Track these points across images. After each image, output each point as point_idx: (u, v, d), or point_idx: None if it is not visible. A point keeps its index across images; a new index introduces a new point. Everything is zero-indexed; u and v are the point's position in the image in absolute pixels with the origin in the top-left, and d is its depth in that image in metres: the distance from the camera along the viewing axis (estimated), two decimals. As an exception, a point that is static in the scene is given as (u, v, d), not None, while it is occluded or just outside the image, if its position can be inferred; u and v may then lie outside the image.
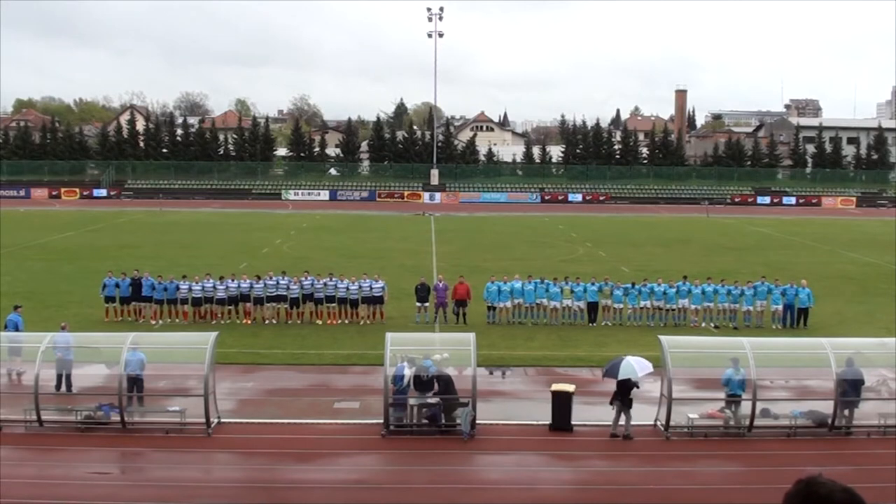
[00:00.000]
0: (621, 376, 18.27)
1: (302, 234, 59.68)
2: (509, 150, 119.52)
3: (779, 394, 21.29)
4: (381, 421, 18.62)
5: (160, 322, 29.20)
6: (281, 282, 29.79)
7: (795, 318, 29.86)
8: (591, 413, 19.93)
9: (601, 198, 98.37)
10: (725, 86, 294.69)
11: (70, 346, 20.55)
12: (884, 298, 35.34)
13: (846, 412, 19.21)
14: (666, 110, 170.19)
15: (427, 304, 29.90)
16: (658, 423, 19.00)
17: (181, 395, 19.96)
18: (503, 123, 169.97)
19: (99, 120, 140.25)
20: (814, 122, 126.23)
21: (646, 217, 79.59)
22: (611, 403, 18.48)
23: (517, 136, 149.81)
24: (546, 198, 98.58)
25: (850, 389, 18.98)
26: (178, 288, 29.64)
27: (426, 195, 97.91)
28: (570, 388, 19.05)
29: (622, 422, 18.41)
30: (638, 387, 18.72)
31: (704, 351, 20.99)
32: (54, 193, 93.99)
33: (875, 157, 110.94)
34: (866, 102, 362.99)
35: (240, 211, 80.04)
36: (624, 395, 18.36)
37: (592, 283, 30.17)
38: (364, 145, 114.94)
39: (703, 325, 29.67)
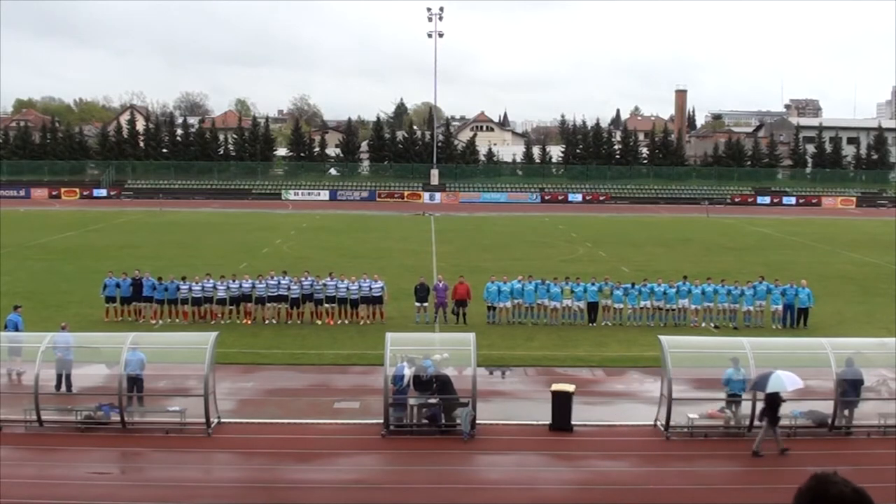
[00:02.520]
0: (769, 390, 17.52)
1: (302, 234, 59.68)
2: (509, 150, 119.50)
3: (779, 394, 21.25)
4: (381, 421, 18.62)
5: (160, 322, 29.19)
6: (282, 282, 29.77)
7: (795, 318, 29.85)
8: (591, 413, 19.95)
9: (601, 198, 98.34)
10: (725, 86, 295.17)
11: (70, 346, 20.54)
12: (884, 298, 35.34)
13: (846, 412, 19.21)
14: (666, 110, 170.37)
15: (427, 304, 29.89)
16: (658, 423, 19.00)
17: (181, 395, 19.96)
18: (503, 123, 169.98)
19: (99, 120, 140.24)
20: (814, 122, 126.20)
21: (646, 217, 79.58)
22: (759, 419, 18.03)
23: (517, 136, 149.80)
24: (546, 198, 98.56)
25: (849, 389, 18.98)
26: (178, 288, 29.62)
27: (426, 195, 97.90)
28: (570, 388, 19.03)
29: (764, 434, 17.77)
30: (784, 401, 17.96)
31: (704, 351, 20.98)
32: (54, 193, 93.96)
33: (875, 157, 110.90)
34: (866, 102, 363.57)
35: (240, 211, 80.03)
36: (773, 410, 17.64)
37: (592, 284, 30.17)
38: (364, 145, 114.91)
39: (703, 325, 29.66)
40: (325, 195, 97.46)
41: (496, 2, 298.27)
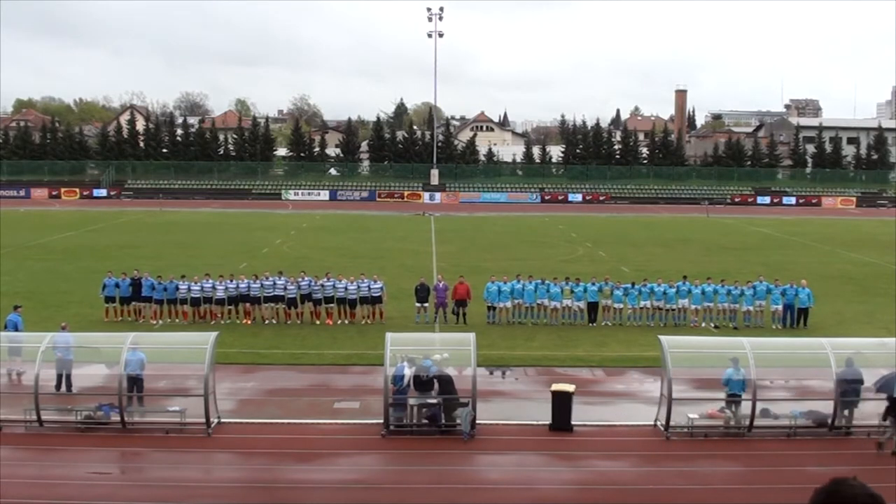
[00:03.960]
0: None
1: (302, 234, 59.68)
2: (509, 150, 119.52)
3: (779, 394, 21.27)
4: (381, 421, 18.61)
5: (160, 322, 29.19)
6: (277, 282, 29.73)
7: (795, 318, 29.84)
8: (591, 413, 19.94)
9: (601, 198, 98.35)
10: (725, 86, 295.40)
11: (70, 346, 20.53)
12: (884, 298, 35.33)
13: (846, 412, 19.21)
14: (666, 110, 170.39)
15: (427, 304, 29.88)
16: (658, 423, 19.00)
17: (181, 395, 19.95)
18: (503, 123, 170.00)
19: (99, 120, 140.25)
20: (814, 122, 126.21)
21: (646, 217, 79.58)
22: (884, 419, 17.99)
23: (517, 136, 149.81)
24: (546, 198, 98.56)
25: (849, 389, 18.97)
26: (177, 288, 29.61)
27: (426, 195, 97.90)
28: (570, 388, 19.03)
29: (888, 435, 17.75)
30: None
31: (704, 351, 20.97)
32: (54, 193, 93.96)
33: (875, 157, 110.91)
34: (866, 102, 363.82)
35: (240, 211, 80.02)
36: None
37: (592, 284, 30.16)
38: (364, 145, 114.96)
39: (703, 325, 29.66)
40: (325, 195, 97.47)
41: (496, 2, 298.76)
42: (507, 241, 57.23)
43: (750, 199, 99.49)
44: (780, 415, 19.15)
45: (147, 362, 19.62)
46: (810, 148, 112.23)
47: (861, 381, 19.18)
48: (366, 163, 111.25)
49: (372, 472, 16.85)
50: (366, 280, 30.04)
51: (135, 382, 19.50)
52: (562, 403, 18.74)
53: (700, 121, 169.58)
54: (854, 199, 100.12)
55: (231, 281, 29.93)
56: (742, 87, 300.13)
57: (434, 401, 18.98)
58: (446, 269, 37.97)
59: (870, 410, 19.31)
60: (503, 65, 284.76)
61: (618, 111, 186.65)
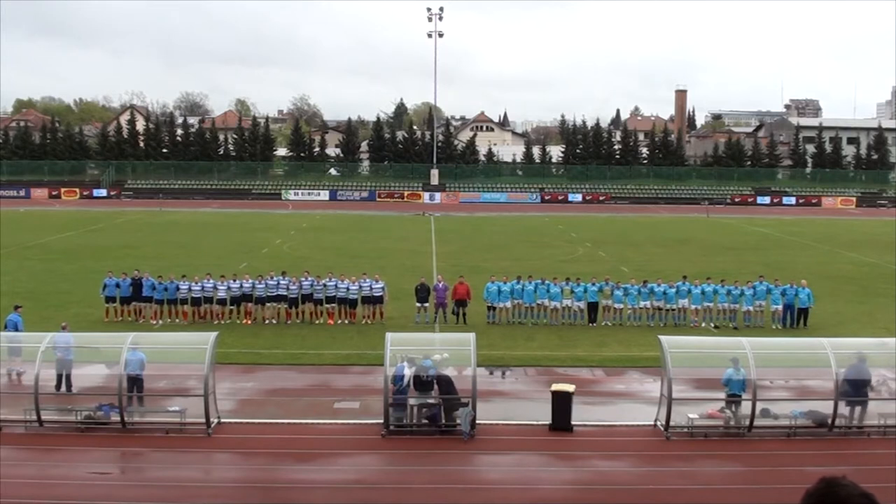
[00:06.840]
0: None
1: (302, 234, 59.67)
2: (509, 150, 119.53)
3: (779, 394, 21.28)
4: (381, 421, 18.62)
5: (160, 322, 29.19)
6: (281, 282, 29.76)
7: (795, 318, 29.84)
8: (591, 413, 19.95)
9: (601, 198, 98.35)
10: (725, 86, 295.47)
11: (70, 346, 20.53)
12: (884, 298, 35.33)
13: (849, 411, 19.20)
14: (666, 110, 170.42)
15: (427, 305, 29.88)
16: (658, 423, 19.00)
17: (181, 395, 19.96)
18: (503, 123, 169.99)
19: (99, 120, 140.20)
20: (814, 122, 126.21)
21: (646, 217, 79.57)
22: None
23: (517, 136, 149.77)
24: (546, 198, 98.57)
25: (852, 389, 18.97)
26: (178, 288, 29.61)
27: (426, 195, 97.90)
28: (570, 388, 19.03)
29: None
30: None
31: (704, 351, 20.98)
32: (54, 193, 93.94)
33: (875, 157, 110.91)
34: (866, 102, 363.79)
35: (240, 211, 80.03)
36: None
37: (592, 284, 30.16)
38: (364, 145, 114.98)
39: (703, 325, 29.66)
40: (325, 195, 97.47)
41: (496, 2, 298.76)
42: (507, 241, 57.22)
43: (750, 199, 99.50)
44: (780, 415, 19.15)
45: (147, 362, 19.62)
46: (810, 148, 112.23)
47: (868, 381, 19.19)
48: (366, 163, 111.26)
49: (372, 472, 16.86)
50: (367, 280, 30.05)
51: (135, 382, 19.50)
52: (562, 403, 18.74)
53: (700, 121, 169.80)
54: (854, 199, 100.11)
55: (234, 281, 29.93)
56: (742, 87, 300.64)
57: (434, 401, 18.98)
58: (446, 269, 37.97)
59: (870, 410, 19.33)
60: (503, 65, 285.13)
61: (618, 111, 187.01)
